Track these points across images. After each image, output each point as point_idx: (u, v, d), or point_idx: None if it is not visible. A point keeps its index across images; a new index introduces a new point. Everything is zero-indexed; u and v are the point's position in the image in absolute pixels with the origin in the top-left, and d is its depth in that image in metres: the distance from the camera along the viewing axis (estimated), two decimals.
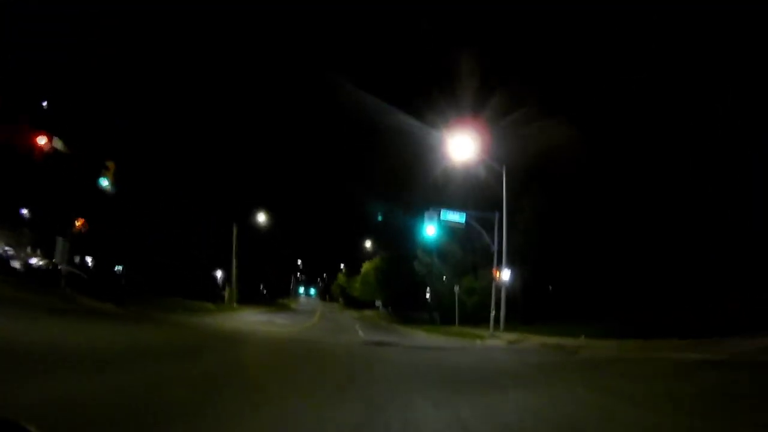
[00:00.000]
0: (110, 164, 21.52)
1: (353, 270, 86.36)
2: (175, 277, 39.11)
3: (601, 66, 27.62)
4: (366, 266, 71.11)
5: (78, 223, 27.17)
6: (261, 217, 47.34)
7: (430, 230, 24.74)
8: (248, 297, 58.93)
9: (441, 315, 43.30)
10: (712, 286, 20.47)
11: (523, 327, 27.46)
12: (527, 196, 32.30)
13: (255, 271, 55.78)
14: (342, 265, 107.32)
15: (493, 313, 24.97)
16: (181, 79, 38.73)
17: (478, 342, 23.35)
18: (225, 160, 43.80)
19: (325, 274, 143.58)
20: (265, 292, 75.09)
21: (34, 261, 46.29)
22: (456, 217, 25.33)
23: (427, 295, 56.61)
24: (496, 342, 23.27)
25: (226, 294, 42.21)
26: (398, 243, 55.36)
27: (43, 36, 29.77)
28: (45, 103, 34.81)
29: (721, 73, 20.35)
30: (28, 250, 54.22)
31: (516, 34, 35.20)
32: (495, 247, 25.65)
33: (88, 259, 46.92)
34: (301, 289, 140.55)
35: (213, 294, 41.86)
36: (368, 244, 67.71)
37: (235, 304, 41.84)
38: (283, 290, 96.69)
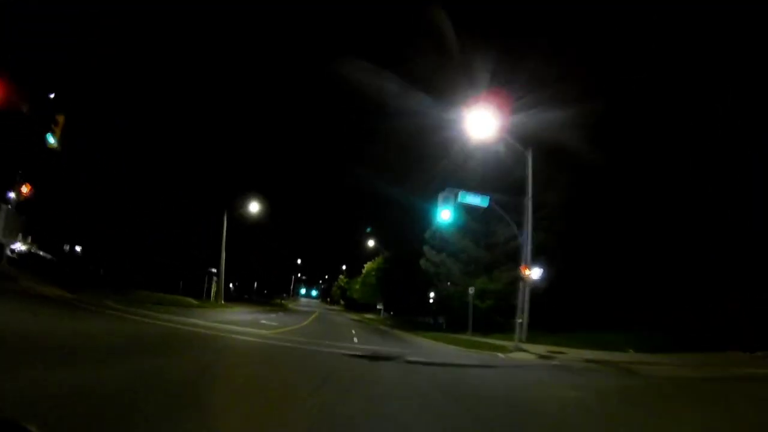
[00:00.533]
0: (60, 118, 17.48)
1: (355, 271, 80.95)
2: (168, 273, 36.51)
3: (600, 66, 25.92)
4: (367, 266, 65.58)
5: (25, 189, 22.78)
6: (257, 210, 42.00)
7: (445, 215, 19.49)
8: (240, 294, 54.92)
9: (447, 320, 38.12)
10: (742, 290, 19.34)
11: (550, 337, 22.43)
12: (552, 188, 27.32)
13: (249, 268, 51.11)
14: (344, 266, 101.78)
15: (519, 321, 19.76)
16: (179, 70, 37.36)
17: (501, 356, 18.20)
18: (222, 152, 41.28)
19: (326, 276, 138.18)
20: (264, 291, 70.34)
21: (16, 245, 43.18)
22: (477, 200, 20.09)
23: (431, 299, 51.50)
24: (524, 356, 18.12)
25: (213, 290, 37.18)
26: (402, 241, 50.31)
27: (43, 36, 28.76)
28: (52, 95, 31.66)
29: (721, 73, 19.77)
30: (20, 236, 50.84)
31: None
32: (524, 238, 20.49)
33: (78, 249, 45.06)
34: (303, 290, 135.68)
35: (203, 291, 37.12)
36: (371, 243, 61.81)
37: (222, 301, 37.18)
38: (282, 290, 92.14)
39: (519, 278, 20.62)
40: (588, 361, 16.83)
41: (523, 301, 20.13)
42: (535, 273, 19.96)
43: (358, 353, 13.23)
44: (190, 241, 38.38)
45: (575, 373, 13.26)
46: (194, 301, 31.61)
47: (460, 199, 19.30)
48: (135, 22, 32.08)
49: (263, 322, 24.05)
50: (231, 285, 56.44)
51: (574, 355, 18.30)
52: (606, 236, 28.28)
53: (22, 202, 24.31)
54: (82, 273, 33.25)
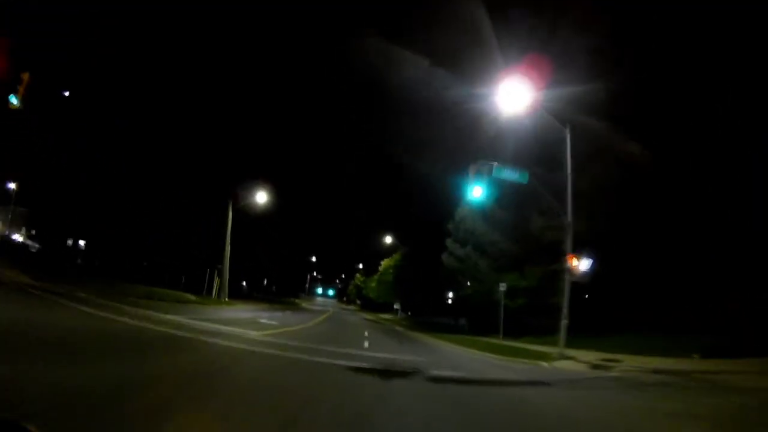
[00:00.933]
0: (24, 76, 16.10)
1: (372, 269, 77.22)
2: (170, 271, 34.81)
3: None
4: (384, 263, 61.66)
5: None
6: (264, 200, 38.91)
7: (476, 192, 15.72)
8: (251, 292, 52.02)
9: (470, 322, 34.49)
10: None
11: (592, 340, 18.74)
12: (591, 172, 23.61)
13: (256, 262, 48.10)
14: (360, 265, 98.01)
15: (564, 321, 16.06)
16: (179, 57, 35.68)
17: (546, 365, 14.65)
18: (228, 143, 38.42)
19: (343, 275, 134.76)
20: (278, 289, 67.44)
21: (15, 235, 42.01)
22: (514, 175, 16.32)
23: (449, 300, 48.01)
24: (573, 366, 14.54)
25: (215, 286, 34.06)
26: (421, 236, 46.76)
27: (43, 36, 28.52)
28: (66, 93, 34.12)
29: (721, 73, 19.34)
30: (23, 229, 49.85)
31: None
32: (566, 223, 16.81)
33: (81, 244, 45.03)
34: (320, 290, 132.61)
35: (207, 287, 34.41)
36: (388, 239, 57.51)
37: (225, 298, 34.04)
38: (298, 289, 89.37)
39: (563, 270, 16.94)
40: (655, 371, 13.19)
41: (568, 298, 16.42)
42: (583, 264, 16.18)
43: (365, 365, 9.77)
44: (190, 240, 36.33)
45: (655, 391, 9.70)
46: (192, 297, 28.72)
47: (494, 173, 15.60)
48: (135, 22, 31.77)
49: (262, 321, 20.79)
50: (244, 283, 53.89)
51: (632, 363, 14.60)
52: (643, 229, 24.94)
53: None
54: (68, 264, 31.11)
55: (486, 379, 9.94)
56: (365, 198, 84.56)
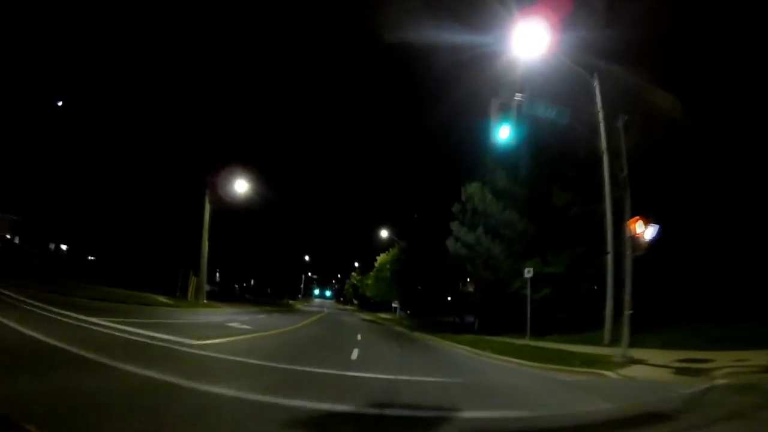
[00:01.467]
0: None
1: (368, 267, 72.28)
2: (162, 270, 32.20)
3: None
4: (381, 258, 56.51)
5: None
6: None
7: (503, 133, 10.86)
8: (240, 294, 49.28)
9: (481, 319, 29.92)
10: None
11: (642, 335, 13.95)
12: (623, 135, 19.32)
13: (250, 265, 44.06)
14: (356, 264, 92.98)
15: (628, 312, 11.43)
16: (178, 52, 35.65)
17: (611, 374, 10.10)
18: (223, 142, 37.59)
19: (339, 275, 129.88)
20: (271, 291, 63.05)
21: None
22: (551, 112, 11.52)
23: (449, 298, 43.67)
24: (647, 372, 10.20)
25: (190, 286, 29.52)
26: (420, 230, 42.46)
27: (43, 36, 28.67)
28: (60, 103, 33.59)
29: (721, 73, 18.52)
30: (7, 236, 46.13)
31: None
32: (625, 171, 12.19)
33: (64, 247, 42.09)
34: (317, 291, 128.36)
35: (185, 287, 30.22)
36: (384, 233, 52.13)
37: (204, 300, 29.70)
38: (294, 291, 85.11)
39: (600, 252, 12.40)
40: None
41: (630, 280, 11.85)
42: (649, 232, 11.49)
43: (342, 407, 5.17)
44: (190, 240, 32.54)
45: None
46: (163, 300, 24.64)
47: (525, 109, 10.90)
48: (135, 22, 31.67)
49: (232, 325, 16.45)
50: (237, 286, 49.98)
51: (722, 362, 9.97)
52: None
53: None
54: (23, 264, 27.18)
55: (570, 425, 5.23)
56: (364, 197, 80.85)
